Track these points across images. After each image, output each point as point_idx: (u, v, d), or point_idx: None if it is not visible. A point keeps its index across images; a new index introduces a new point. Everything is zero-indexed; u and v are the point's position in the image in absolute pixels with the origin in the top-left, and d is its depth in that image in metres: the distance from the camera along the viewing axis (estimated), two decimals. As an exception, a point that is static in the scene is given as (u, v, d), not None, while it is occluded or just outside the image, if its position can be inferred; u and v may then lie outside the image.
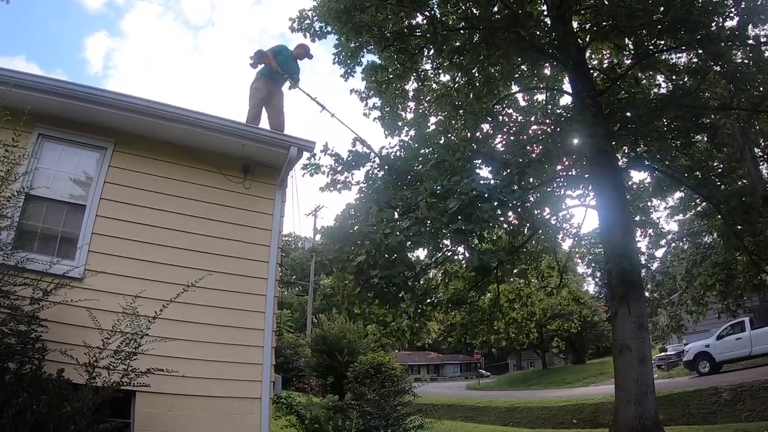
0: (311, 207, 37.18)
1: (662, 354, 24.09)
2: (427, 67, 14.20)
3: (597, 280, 48.33)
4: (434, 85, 14.69)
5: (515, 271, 15.82)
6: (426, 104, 14.70)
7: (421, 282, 13.73)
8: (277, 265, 6.42)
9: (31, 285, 4.24)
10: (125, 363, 4.03)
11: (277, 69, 7.67)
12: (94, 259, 5.22)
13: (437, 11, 10.60)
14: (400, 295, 7.89)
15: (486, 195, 7.54)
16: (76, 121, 5.60)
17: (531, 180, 11.87)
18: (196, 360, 5.31)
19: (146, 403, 4.88)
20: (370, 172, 11.29)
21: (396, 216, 8.70)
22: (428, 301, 14.04)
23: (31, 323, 4.06)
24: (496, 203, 7.67)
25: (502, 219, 10.43)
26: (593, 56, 14.09)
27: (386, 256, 7.06)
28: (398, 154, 10.79)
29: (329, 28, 11.41)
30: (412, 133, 14.12)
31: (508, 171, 8.32)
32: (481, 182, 8.22)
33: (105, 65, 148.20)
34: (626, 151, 12.04)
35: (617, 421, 9.58)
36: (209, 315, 5.57)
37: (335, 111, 8.58)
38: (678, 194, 15.60)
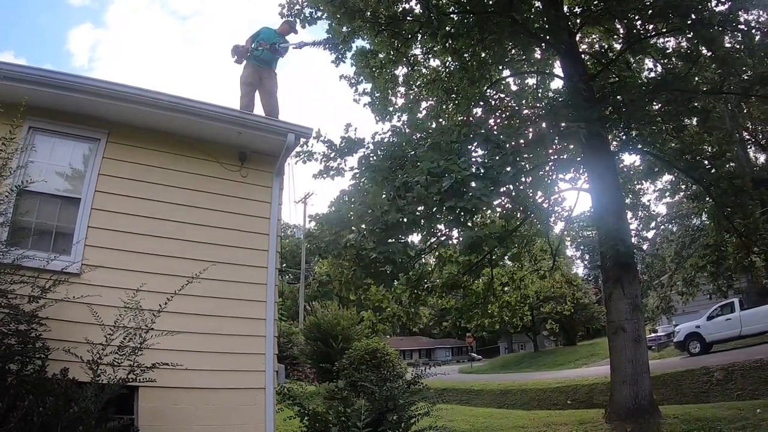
0: (301, 195, 36.92)
1: (652, 335, 24.46)
2: (417, 52, 14.14)
3: (586, 262, 48.86)
4: (424, 70, 14.63)
5: (508, 255, 15.99)
6: (416, 89, 14.65)
7: (416, 267, 13.80)
8: (277, 253, 6.36)
9: (28, 283, 4.15)
10: (130, 359, 3.96)
11: (248, 48, 7.50)
12: (90, 253, 5.12)
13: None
14: (394, 272, 7.88)
15: (481, 173, 7.55)
16: (67, 112, 5.46)
17: (524, 163, 11.94)
18: (197, 352, 5.26)
19: (149, 398, 4.84)
20: (363, 158, 11.24)
21: (392, 195, 8.69)
22: (423, 286, 14.13)
23: (30, 322, 3.97)
24: (489, 182, 7.68)
25: (495, 200, 10.48)
26: (584, 39, 14.08)
27: (383, 233, 7.04)
28: (391, 139, 10.74)
29: (319, 14, 11.25)
30: (404, 118, 14.10)
31: (503, 153, 8.32)
32: (474, 161, 8.23)
33: (90, 57, 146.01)
34: (616, 134, 12.10)
35: (613, 401, 9.73)
36: (210, 306, 5.52)
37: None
38: (667, 177, 15.75)
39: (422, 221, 8.60)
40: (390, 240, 7.37)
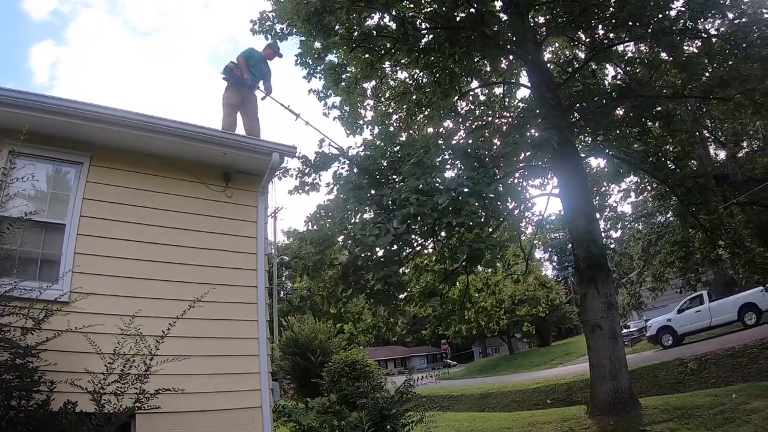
0: (270, 209, 36.61)
1: (625, 331, 25.07)
2: (385, 65, 14.33)
3: (554, 264, 49.94)
4: (392, 83, 14.83)
5: (483, 260, 16.24)
6: (385, 101, 14.83)
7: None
8: (265, 272, 6.36)
9: (17, 314, 4.05)
10: (135, 386, 3.91)
11: (249, 81, 7.54)
12: (79, 280, 4.99)
13: (404, 13, 10.67)
14: (393, 292, 7.99)
15: (470, 190, 7.72)
16: (48, 135, 5.32)
17: (498, 173, 12.23)
18: (194, 375, 5.18)
19: (147, 425, 4.75)
20: (338, 172, 11.33)
21: (373, 215, 8.81)
22: (401, 296, 14.22)
23: (26, 355, 3.87)
24: (476, 197, 7.87)
25: (482, 212, 10.73)
26: (547, 48, 14.54)
27: (377, 256, 7.13)
28: (366, 153, 10.85)
29: (291, 30, 11.31)
30: (375, 131, 14.24)
31: (484, 167, 8.52)
32: (462, 177, 8.40)
33: (51, 75, 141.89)
34: (582, 139, 12.53)
35: (595, 396, 10.01)
36: (203, 328, 5.45)
37: (308, 118, 8.55)
38: (630, 178, 16.35)
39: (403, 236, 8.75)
40: (385, 260, 7.46)
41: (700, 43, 9.84)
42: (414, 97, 13.91)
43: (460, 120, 13.47)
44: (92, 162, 5.59)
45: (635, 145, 12.23)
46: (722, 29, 9.57)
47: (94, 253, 5.25)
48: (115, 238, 5.42)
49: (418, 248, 12.54)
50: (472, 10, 10.02)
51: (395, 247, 7.56)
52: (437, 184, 7.32)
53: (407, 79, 14.51)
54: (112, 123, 5.43)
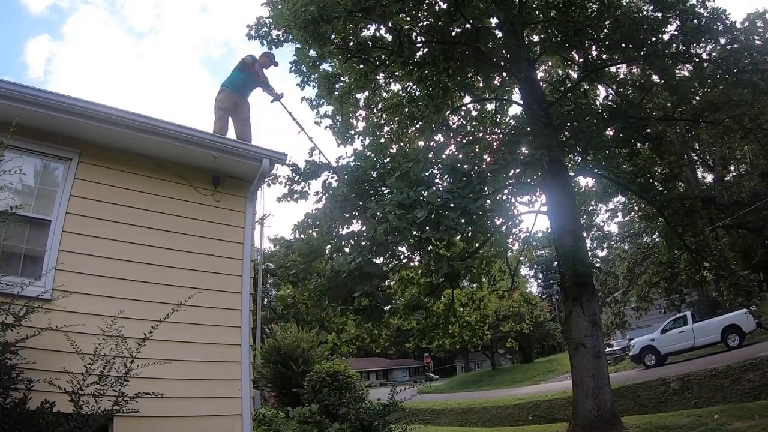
0: (258, 215, 36.38)
1: (608, 349, 25.18)
2: (379, 76, 14.42)
3: (540, 281, 50.25)
4: (385, 94, 14.91)
5: (469, 275, 16.28)
6: (377, 113, 14.90)
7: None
8: (250, 278, 6.30)
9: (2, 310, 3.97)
10: (115, 389, 3.83)
11: (263, 79, 7.58)
12: (62, 278, 4.89)
13: (401, 25, 10.77)
14: (378, 306, 7.98)
15: (451, 204, 7.74)
16: (38, 129, 5.24)
17: (486, 190, 12.32)
18: (174, 380, 5.08)
19: (125, 428, 4.65)
20: (327, 181, 11.34)
21: (359, 228, 8.82)
22: (386, 307, 14.17)
23: (5, 352, 3.79)
24: (458, 211, 7.89)
25: (464, 227, 10.77)
26: (540, 67, 14.73)
27: (360, 272, 7.14)
28: (356, 163, 10.86)
29: (287, 37, 11.34)
30: (367, 141, 14.28)
31: (470, 182, 8.57)
32: (441, 191, 8.43)
33: (46, 70, 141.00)
34: (572, 157, 12.66)
35: (577, 414, 10.02)
36: (186, 332, 5.36)
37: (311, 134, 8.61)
38: (618, 198, 16.52)
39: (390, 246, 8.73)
40: (368, 275, 7.48)
41: (691, 67, 10.04)
42: (406, 109, 14.00)
43: (452, 134, 13.55)
44: (81, 159, 5.51)
45: (624, 166, 12.38)
46: (714, 54, 9.79)
47: (78, 251, 5.15)
48: (100, 237, 5.33)
49: (404, 261, 12.54)
50: (468, 26, 10.15)
51: (380, 260, 7.57)
52: (422, 198, 7.34)
53: (400, 92, 14.63)
54: (103, 121, 5.37)
